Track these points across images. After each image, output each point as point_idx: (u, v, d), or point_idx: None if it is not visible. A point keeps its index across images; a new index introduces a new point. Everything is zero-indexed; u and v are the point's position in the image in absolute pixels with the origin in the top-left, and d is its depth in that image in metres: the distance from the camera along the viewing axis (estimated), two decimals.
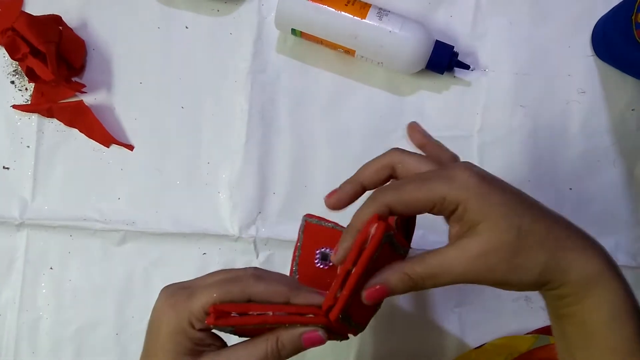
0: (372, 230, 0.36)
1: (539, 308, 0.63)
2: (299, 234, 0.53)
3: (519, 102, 0.64)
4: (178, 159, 0.65)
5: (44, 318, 0.65)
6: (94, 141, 0.65)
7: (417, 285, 0.37)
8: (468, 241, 0.36)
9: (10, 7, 0.65)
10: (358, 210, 0.39)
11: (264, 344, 0.38)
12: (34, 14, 0.62)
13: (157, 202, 0.65)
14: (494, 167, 0.63)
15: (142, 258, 0.64)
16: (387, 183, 0.42)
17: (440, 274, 0.37)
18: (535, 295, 0.63)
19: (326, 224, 0.53)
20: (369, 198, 0.39)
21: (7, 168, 0.66)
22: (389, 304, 0.64)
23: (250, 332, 0.40)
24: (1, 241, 0.65)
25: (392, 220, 0.44)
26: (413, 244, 0.63)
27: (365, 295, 0.37)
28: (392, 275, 0.37)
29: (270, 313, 0.38)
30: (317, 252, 0.52)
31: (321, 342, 0.38)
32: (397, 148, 0.42)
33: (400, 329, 0.64)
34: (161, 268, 0.64)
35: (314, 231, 0.52)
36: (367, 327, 0.64)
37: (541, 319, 0.63)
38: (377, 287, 0.37)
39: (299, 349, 0.39)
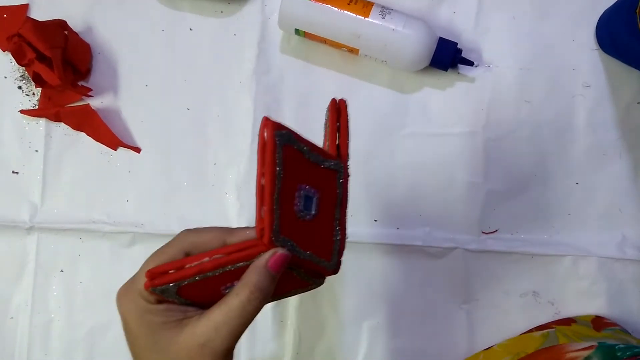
0: (265, 135, 0.35)
1: (547, 302, 0.63)
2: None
3: (523, 97, 0.64)
4: (185, 160, 0.66)
5: (55, 320, 0.66)
6: (101, 144, 0.66)
7: None
8: None
9: (16, 13, 0.65)
10: None
11: (236, 298, 0.36)
12: (40, 20, 0.62)
13: (165, 203, 0.65)
14: (500, 163, 0.63)
15: None
16: None
17: None
18: (542, 290, 0.63)
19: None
20: None
21: (17, 172, 0.66)
22: (395, 302, 0.64)
23: (196, 291, 0.38)
24: (12, 245, 0.66)
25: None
26: (418, 240, 0.64)
27: None
28: None
29: (207, 259, 0.36)
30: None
31: (287, 258, 0.36)
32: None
33: (408, 326, 0.64)
34: None
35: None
36: (377, 324, 0.65)
37: (549, 314, 0.63)
38: None
39: (271, 279, 0.36)
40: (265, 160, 0.35)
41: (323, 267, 0.39)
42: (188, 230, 0.40)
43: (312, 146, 0.38)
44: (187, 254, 0.38)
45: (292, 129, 0.37)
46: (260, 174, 0.35)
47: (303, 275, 0.39)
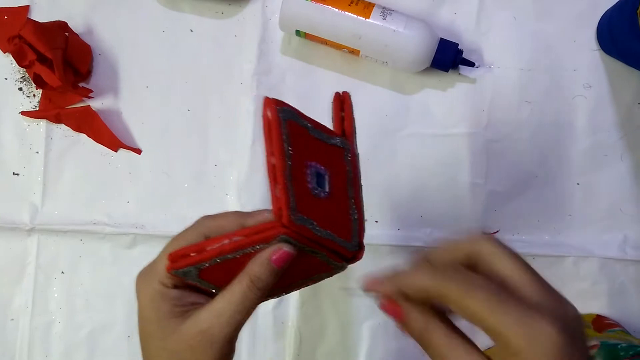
0: (268, 113, 0.35)
1: None
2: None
3: (524, 97, 0.64)
4: (185, 161, 0.66)
5: (56, 322, 0.65)
6: (102, 146, 0.66)
7: None
8: None
9: (16, 14, 0.65)
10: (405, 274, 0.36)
11: (238, 286, 0.37)
12: (40, 21, 0.62)
13: (166, 205, 0.65)
14: (501, 163, 0.63)
15: None
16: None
17: None
18: None
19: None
20: (422, 268, 0.37)
21: (17, 174, 0.66)
22: None
23: (217, 274, 0.38)
24: (12, 247, 0.66)
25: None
26: (419, 241, 0.64)
27: None
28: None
29: (227, 241, 0.37)
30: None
31: (290, 256, 0.36)
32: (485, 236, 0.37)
33: None
34: None
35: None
36: (378, 324, 0.64)
37: None
38: None
39: (273, 273, 0.36)
40: (272, 137, 0.35)
41: (344, 247, 0.38)
42: (206, 216, 0.40)
43: (315, 123, 0.38)
44: (207, 238, 0.39)
45: (293, 106, 0.36)
46: (270, 153, 0.35)
47: (326, 259, 0.39)
